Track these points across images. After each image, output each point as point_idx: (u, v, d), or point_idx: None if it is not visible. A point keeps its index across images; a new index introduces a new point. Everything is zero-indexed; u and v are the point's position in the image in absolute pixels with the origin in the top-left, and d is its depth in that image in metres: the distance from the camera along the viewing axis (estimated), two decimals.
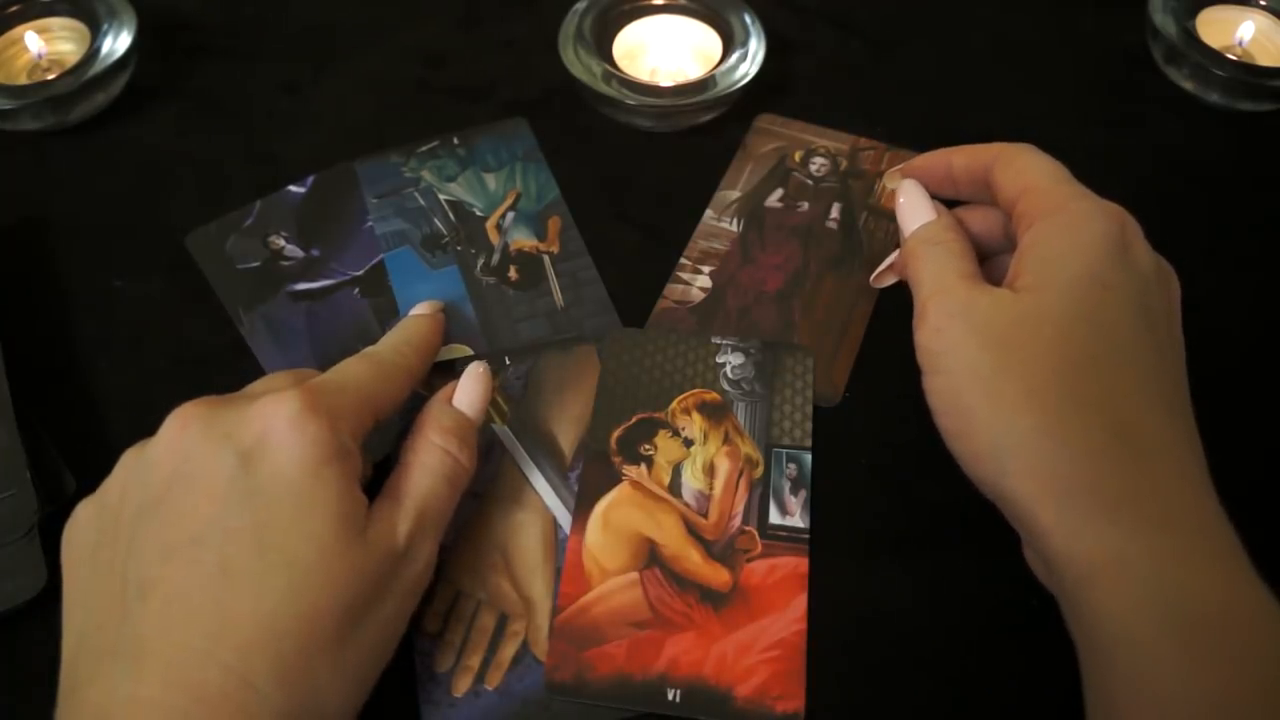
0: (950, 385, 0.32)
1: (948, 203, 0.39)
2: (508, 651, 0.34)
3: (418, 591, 0.32)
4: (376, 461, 0.38)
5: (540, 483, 0.38)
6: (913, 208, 0.37)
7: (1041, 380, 0.30)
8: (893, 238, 0.45)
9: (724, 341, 0.41)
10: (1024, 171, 0.34)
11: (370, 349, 0.36)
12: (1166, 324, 0.33)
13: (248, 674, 0.27)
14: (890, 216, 0.45)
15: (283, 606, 0.28)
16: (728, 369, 0.40)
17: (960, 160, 0.38)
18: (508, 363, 0.41)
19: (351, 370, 0.34)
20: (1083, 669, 0.30)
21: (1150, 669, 0.27)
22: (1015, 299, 0.31)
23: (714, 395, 0.40)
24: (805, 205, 0.46)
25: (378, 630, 0.30)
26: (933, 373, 0.32)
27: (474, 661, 0.34)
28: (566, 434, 0.39)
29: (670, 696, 0.33)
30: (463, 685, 0.34)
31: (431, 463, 0.33)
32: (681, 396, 0.40)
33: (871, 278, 0.40)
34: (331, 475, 0.30)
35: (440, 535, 0.33)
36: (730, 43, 0.49)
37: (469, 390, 0.36)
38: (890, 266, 0.39)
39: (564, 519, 0.37)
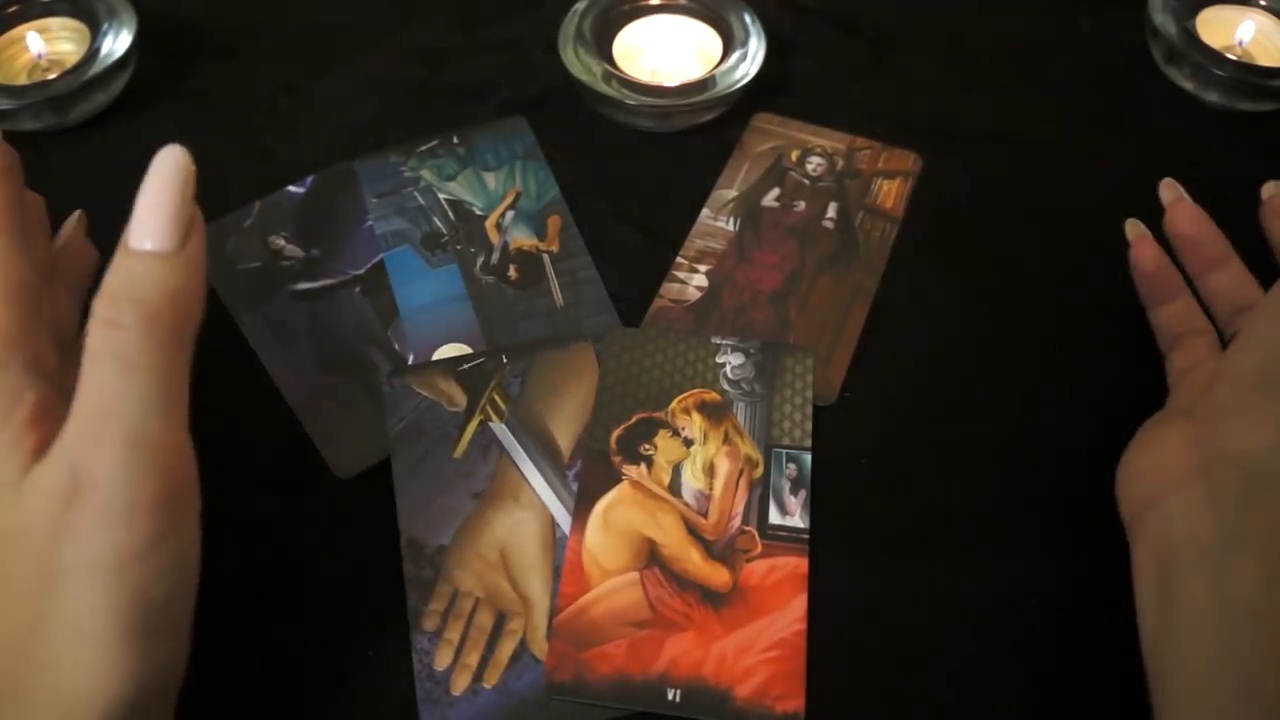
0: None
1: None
2: (506, 650, 0.34)
3: (135, 508, 0.24)
4: (380, 461, 0.38)
5: (538, 481, 0.38)
6: None
7: None
8: (889, 237, 0.45)
9: (724, 341, 0.41)
10: None
11: None
12: None
13: None
14: (887, 216, 0.45)
15: None
16: (728, 369, 0.40)
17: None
18: (505, 361, 0.41)
19: None
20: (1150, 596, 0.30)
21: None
22: None
23: (714, 395, 0.40)
24: (802, 205, 0.46)
25: (90, 576, 0.24)
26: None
27: (472, 660, 0.34)
28: (564, 432, 0.39)
29: (670, 696, 0.33)
30: (461, 683, 0.34)
31: (92, 346, 0.25)
32: (681, 396, 0.40)
33: None
34: None
35: (137, 431, 0.24)
36: (730, 43, 0.49)
37: (143, 210, 0.26)
38: None
39: (561, 517, 0.37)
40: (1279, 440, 0.29)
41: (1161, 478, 0.32)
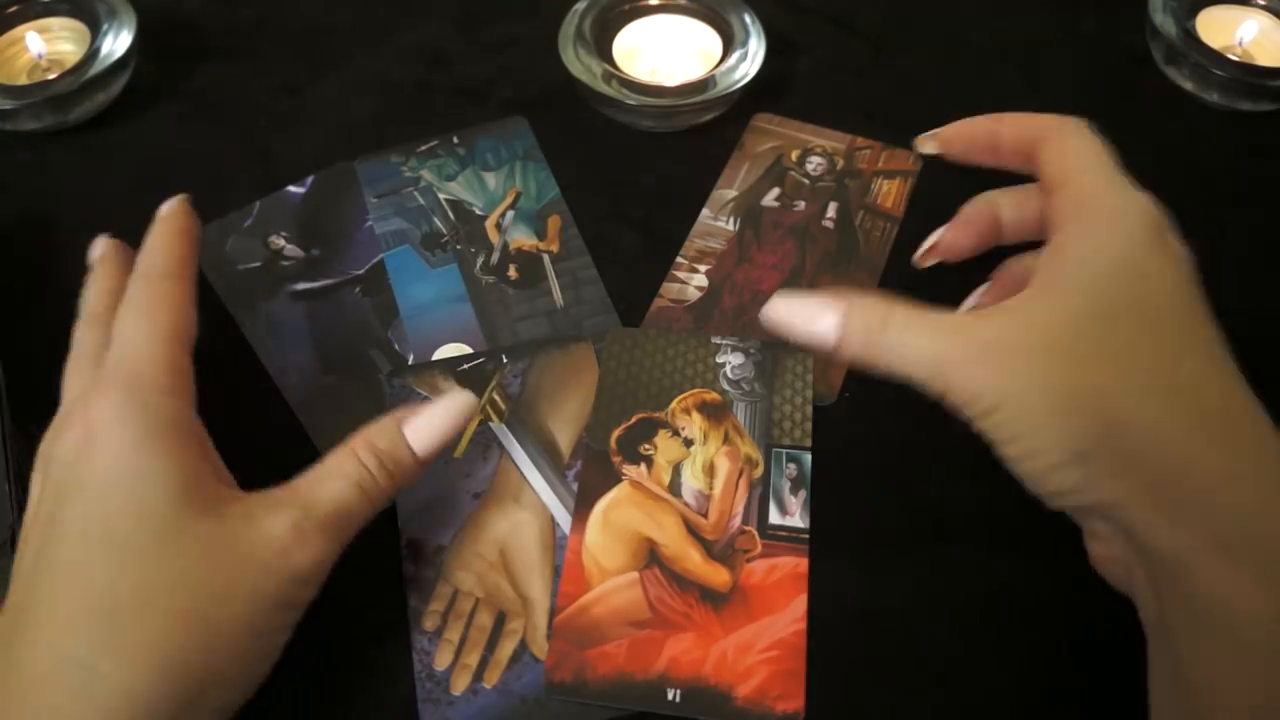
0: (1007, 415, 0.29)
1: (983, 176, 0.38)
2: (506, 649, 0.34)
3: (297, 584, 0.29)
4: None
5: (538, 481, 0.38)
6: (807, 311, 0.32)
7: (1101, 377, 0.28)
8: (889, 236, 0.45)
9: (724, 341, 0.41)
10: (1068, 155, 0.33)
11: (129, 293, 0.33)
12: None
13: (78, 654, 0.27)
14: (887, 215, 0.45)
15: (108, 584, 0.27)
16: (728, 369, 0.40)
17: (1009, 132, 0.36)
18: (505, 361, 0.41)
19: (130, 331, 0.32)
20: (1160, 663, 0.30)
21: (1261, 651, 0.27)
22: (1045, 305, 0.30)
23: (714, 395, 0.40)
24: (802, 204, 0.46)
25: (247, 608, 0.28)
26: (985, 414, 0.29)
27: (472, 659, 0.34)
28: (564, 432, 0.39)
29: (670, 696, 0.33)
30: (461, 683, 0.34)
31: (347, 468, 0.31)
32: (681, 396, 0.40)
33: (916, 257, 0.41)
34: (160, 450, 0.29)
35: (337, 543, 0.30)
36: (730, 43, 0.49)
37: (430, 422, 0.32)
38: (933, 248, 0.40)
39: (562, 517, 0.37)
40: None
41: None
